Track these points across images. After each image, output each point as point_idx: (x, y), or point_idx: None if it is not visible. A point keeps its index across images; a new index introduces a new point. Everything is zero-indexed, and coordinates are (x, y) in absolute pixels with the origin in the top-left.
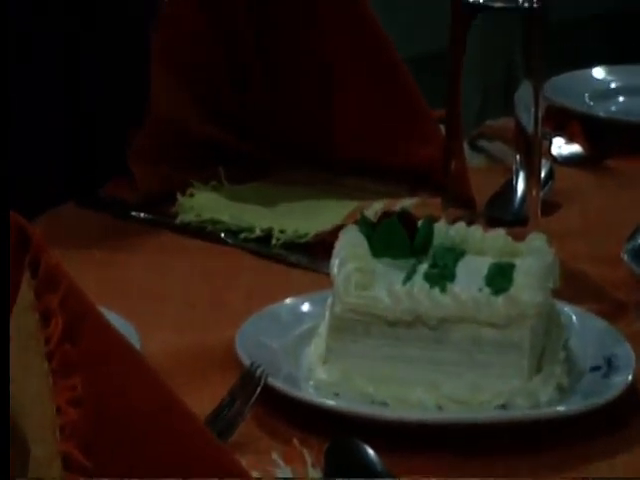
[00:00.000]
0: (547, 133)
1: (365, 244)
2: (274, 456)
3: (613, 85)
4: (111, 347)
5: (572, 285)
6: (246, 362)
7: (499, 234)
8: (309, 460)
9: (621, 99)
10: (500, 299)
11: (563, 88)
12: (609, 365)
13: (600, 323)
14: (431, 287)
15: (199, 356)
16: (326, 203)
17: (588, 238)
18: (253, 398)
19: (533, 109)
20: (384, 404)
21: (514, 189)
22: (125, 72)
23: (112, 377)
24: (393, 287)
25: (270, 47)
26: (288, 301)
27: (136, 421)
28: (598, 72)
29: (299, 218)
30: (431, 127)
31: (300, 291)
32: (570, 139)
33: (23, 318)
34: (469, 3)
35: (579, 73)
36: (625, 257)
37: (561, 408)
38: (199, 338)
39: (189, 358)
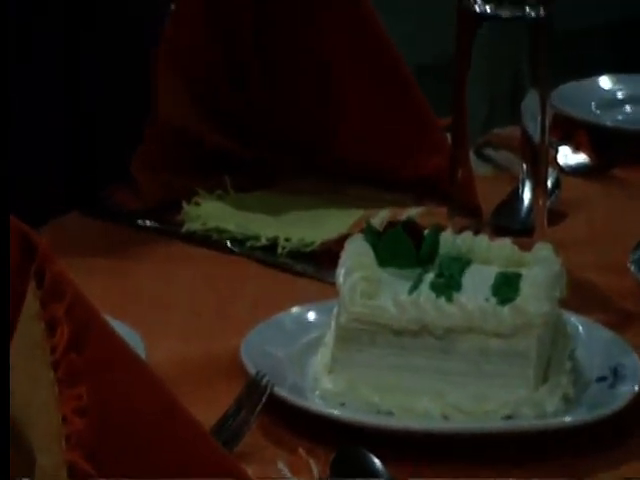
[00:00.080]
0: (553, 142)
1: (371, 253)
2: (280, 466)
3: (620, 94)
4: (115, 355)
5: (578, 295)
6: (252, 371)
7: (505, 243)
8: (315, 470)
9: (628, 108)
10: (506, 309)
11: (570, 97)
12: (615, 375)
13: (606, 333)
14: (437, 297)
15: (205, 365)
16: (332, 212)
17: (595, 248)
18: (259, 407)
19: (540, 118)
20: (390, 414)
21: (520, 198)
22: (125, 72)
23: (116, 385)
24: (399, 296)
25: (268, 45)
26: (294, 310)
27: (140, 429)
28: (605, 81)
29: (305, 227)
30: (437, 135)
31: (306, 300)
32: (576, 148)
33: (29, 327)
34: (475, 12)
35: (586, 82)
36: (632, 267)
37: (567, 418)
38: (205, 347)
39: (195, 367)
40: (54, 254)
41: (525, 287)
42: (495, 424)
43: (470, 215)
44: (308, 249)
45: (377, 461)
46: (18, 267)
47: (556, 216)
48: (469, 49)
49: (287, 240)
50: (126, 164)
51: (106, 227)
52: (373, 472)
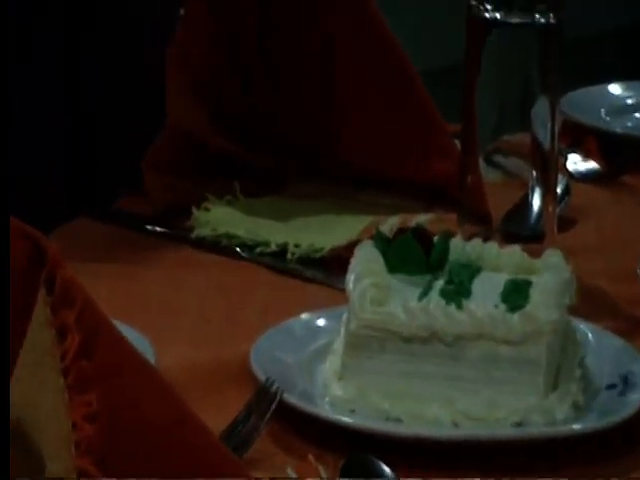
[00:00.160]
0: (563, 149)
1: (381, 260)
2: (289, 472)
3: (629, 101)
4: (125, 361)
5: (588, 302)
6: (261, 377)
7: (515, 250)
8: (324, 476)
9: (637, 115)
10: (516, 316)
11: (579, 104)
12: (625, 383)
13: (616, 340)
14: (447, 303)
15: (214, 371)
16: (341, 218)
17: (604, 254)
18: (268, 414)
19: (549, 125)
20: (399, 420)
21: (530, 205)
22: (125, 72)
23: (126, 391)
24: (409, 303)
25: (272, 49)
26: (303, 316)
27: (150, 435)
28: (614, 88)
29: (314, 232)
30: (445, 139)
31: (315, 306)
32: (586, 155)
33: (39, 334)
34: (485, 18)
35: (595, 89)
36: None
37: (577, 426)
38: (214, 352)
39: (204, 373)
40: (64, 260)
41: (535, 294)
42: (505, 431)
43: (480, 222)
44: (318, 255)
45: (386, 468)
46: (28, 273)
47: (566, 223)
48: (479, 55)
49: (297, 246)
50: (126, 164)
51: (116, 232)
52: (382, 479)
